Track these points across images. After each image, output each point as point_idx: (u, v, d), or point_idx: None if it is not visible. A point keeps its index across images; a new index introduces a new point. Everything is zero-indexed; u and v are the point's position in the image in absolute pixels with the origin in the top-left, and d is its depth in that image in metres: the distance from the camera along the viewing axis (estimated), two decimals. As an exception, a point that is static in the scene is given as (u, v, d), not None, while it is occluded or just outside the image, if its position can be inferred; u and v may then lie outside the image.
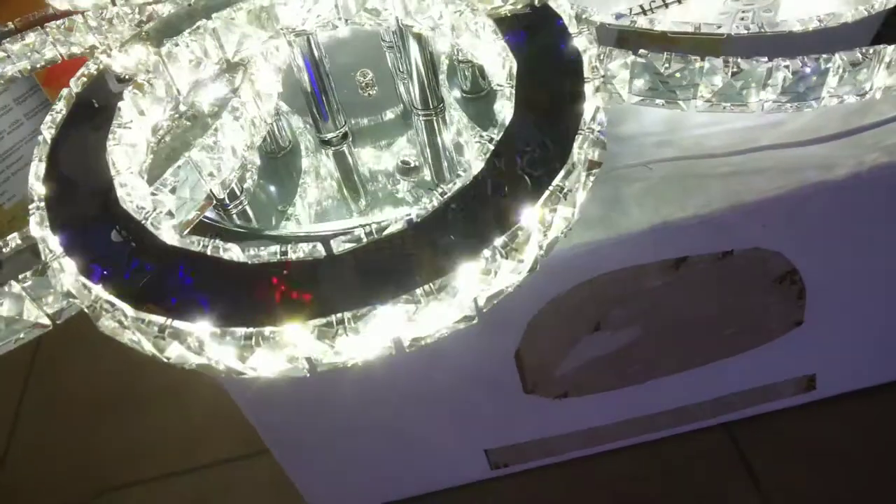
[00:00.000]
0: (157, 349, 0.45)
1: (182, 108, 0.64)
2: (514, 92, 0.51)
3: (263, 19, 0.65)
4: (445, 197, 0.46)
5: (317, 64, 0.70)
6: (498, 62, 0.55)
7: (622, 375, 0.77)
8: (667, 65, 0.60)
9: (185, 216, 0.59)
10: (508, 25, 0.56)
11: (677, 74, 0.60)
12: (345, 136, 0.75)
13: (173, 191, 0.57)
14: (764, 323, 0.75)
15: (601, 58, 0.61)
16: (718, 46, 0.62)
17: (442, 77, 0.77)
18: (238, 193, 0.69)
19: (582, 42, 0.54)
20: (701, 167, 0.68)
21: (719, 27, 0.62)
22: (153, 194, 0.54)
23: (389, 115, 0.80)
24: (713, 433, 0.88)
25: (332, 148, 0.74)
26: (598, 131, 0.49)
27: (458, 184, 0.47)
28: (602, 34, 0.63)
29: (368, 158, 0.77)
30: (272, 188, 0.76)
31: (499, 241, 0.44)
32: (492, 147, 0.48)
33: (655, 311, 0.72)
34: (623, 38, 0.66)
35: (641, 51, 0.60)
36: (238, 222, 0.70)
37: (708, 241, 0.67)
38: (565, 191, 0.46)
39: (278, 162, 0.79)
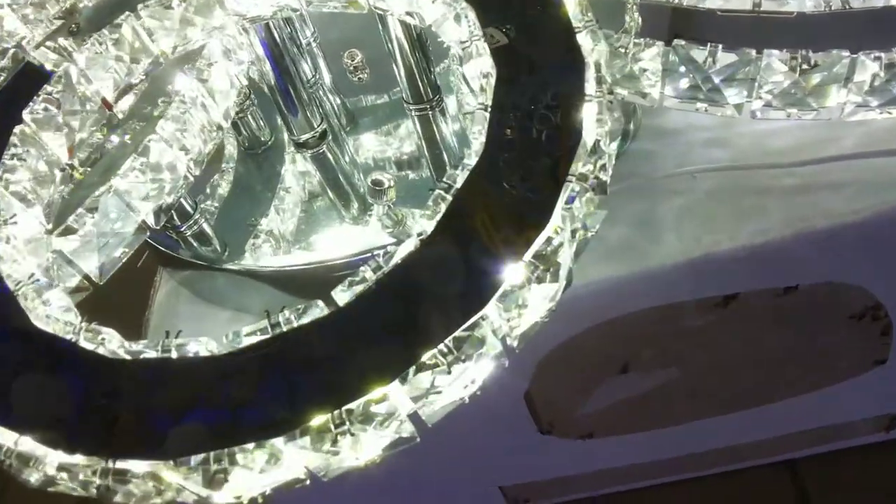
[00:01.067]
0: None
1: (110, 117, 0.54)
2: (487, 118, 0.38)
3: (206, 5, 0.53)
4: (378, 276, 0.35)
5: (281, 53, 0.57)
6: (477, 67, 0.41)
7: (659, 416, 0.65)
8: (710, 58, 0.45)
9: (110, 254, 0.49)
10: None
11: (725, 70, 0.45)
12: (323, 135, 0.62)
13: (91, 231, 0.47)
14: (836, 362, 0.61)
15: (625, 51, 0.47)
16: (782, 31, 0.46)
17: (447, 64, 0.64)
18: (192, 211, 0.58)
19: (586, 40, 0.40)
20: (759, 179, 0.54)
21: (786, 3, 0.47)
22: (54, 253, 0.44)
23: (384, 104, 0.68)
24: (770, 470, 0.75)
25: (309, 151, 0.63)
26: (595, 177, 0.36)
27: (398, 255, 0.35)
28: (648, 13, 0.49)
29: (356, 160, 0.65)
30: (241, 199, 0.65)
31: (443, 345, 0.32)
32: (445, 202, 0.35)
33: (697, 351, 0.58)
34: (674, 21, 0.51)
35: (677, 41, 0.46)
36: (195, 245, 0.59)
37: (765, 275, 0.53)
38: (539, 270, 0.33)
39: (255, 161, 0.68)
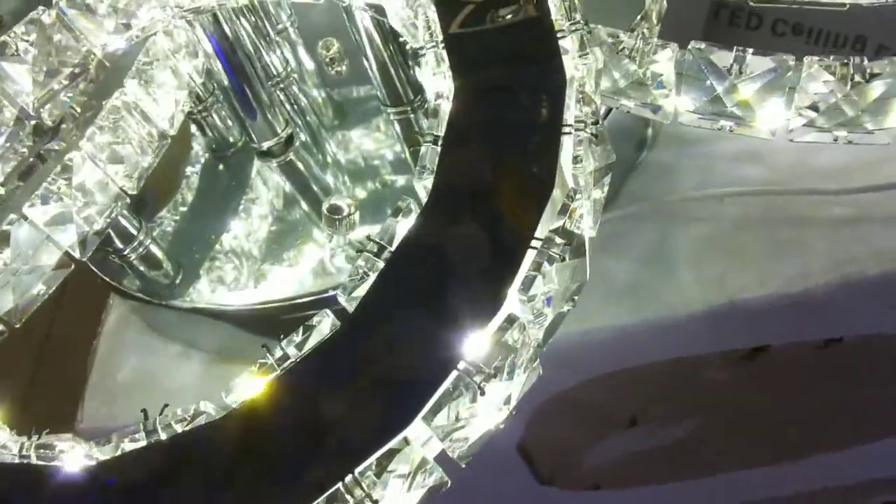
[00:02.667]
0: None
1: (35, 126, 0.46)
2: (438, 156, 0.29)
3: (139, -6, 0.45)
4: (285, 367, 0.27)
5: (233, 48, 0.49)
6: (433, 85, 0.33)
7: (678, 469, 0.56)
8: (737, 65, 0.36)
9: (25, 292, 0.42)
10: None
11: (756, 80, 0.36)
12: (289, 140, 0.54)
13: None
14: (886, 415, 0.52)
15: (633, 52, 0.37)
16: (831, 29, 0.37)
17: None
18: (135, 232, 0.51)
19: (572, 48, 0.31)
20: (799, 207, 0.44)
21: (839, -8, 0.37)
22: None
23: (364, 100, 0.59)
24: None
25: (274, 160, 0.55)
26: (566, 241, 0.27)
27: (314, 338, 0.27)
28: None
29: (339, 162, 0.56)
30: (203, 210, 0.57)
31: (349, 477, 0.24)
32: (373, 269, 0.27)
33: (718, 406, 0.50)
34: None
35: (694, 43, 0.36)
36: (142, 270, 0.52)
37: (802, 326, 0.44)
38: (484, 379, 0.25)
39: (224, 165, 0.61)
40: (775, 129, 0.37)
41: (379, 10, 0.41)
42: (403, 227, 0.28)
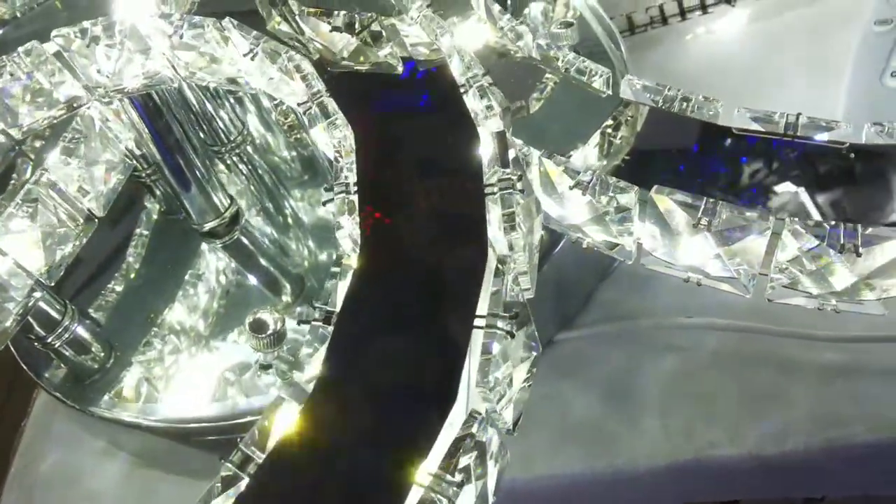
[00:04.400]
0: None
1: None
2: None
3: (58, 72, 0.40)
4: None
5: (167, 124, 0.44)
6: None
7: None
8: (706, 218, 0.30)
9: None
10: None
11: (729, 236, 0.30)
12: (235, 218, 0.50)
13: None
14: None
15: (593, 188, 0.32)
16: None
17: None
18: (59, 317, 0.46)
19: (487, 138, 0.26)
20: (786, 349, 0.39)
21: (837, 128, 0.31)
22: None
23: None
24: None
25: (218, 241, 0.50)
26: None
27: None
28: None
29: (302, 222, 0.52)
30: (147, 279, 0.53)
31: None
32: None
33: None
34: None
35: (656, 190, 0.31)
36: (67, 355, 0.48)
37: (778, 485, 0.38)
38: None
39: (176, 228, 0.56)
40: (749, 286, 0.31)
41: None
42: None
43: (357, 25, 0.39)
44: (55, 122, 0.43)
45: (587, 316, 0.44)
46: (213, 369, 0.45)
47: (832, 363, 0.37)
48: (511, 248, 0.26)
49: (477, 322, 0.24)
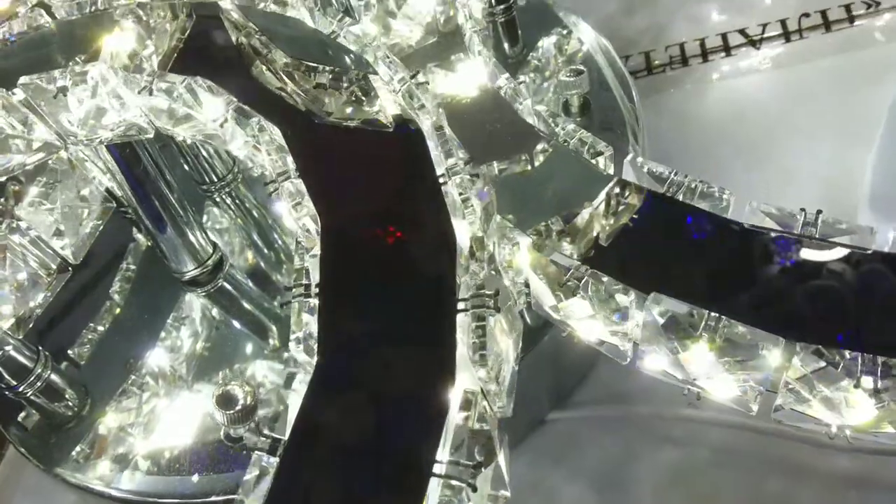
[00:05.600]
0: None
1: None
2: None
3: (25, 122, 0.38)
4: None
5: (145, 171, 0.42)
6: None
7: None
8: (706, 334, 0.27)
9: None
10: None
11: (730, 351, 0.27)
12: (219, 264, 0.47)
13: None
14: None
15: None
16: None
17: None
18: (31, 365, 0.44)
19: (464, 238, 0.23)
20: (797, 452, 0.35)
21: (856, 227, 0.28)
22: None
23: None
24: None
25: (201, 290, 0.48)
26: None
27: None
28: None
29: (282, 268, 0.49)
30: (130, 319, 0.50)
31: None
32: None
33: None
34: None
35: (654, 299, 0.28)
36: (40, 403, 0.46)
37: None
38: None
39: (162, 266, 0.54)
40: (755, 405, 0.28)
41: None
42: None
43: (345, 81, 0.36)
44: (28, 167, 0.41)
45: (583, 394, 0.41)
46: (193, 421, 0.43)
47: (845, 472, 0.34)
48: (484, 375, 0.23)
49: (436, 469, 0.21)
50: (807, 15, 0.54)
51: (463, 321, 0.23)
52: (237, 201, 0.52)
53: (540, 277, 0.29)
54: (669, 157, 0.49)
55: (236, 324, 0.48)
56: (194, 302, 0.49)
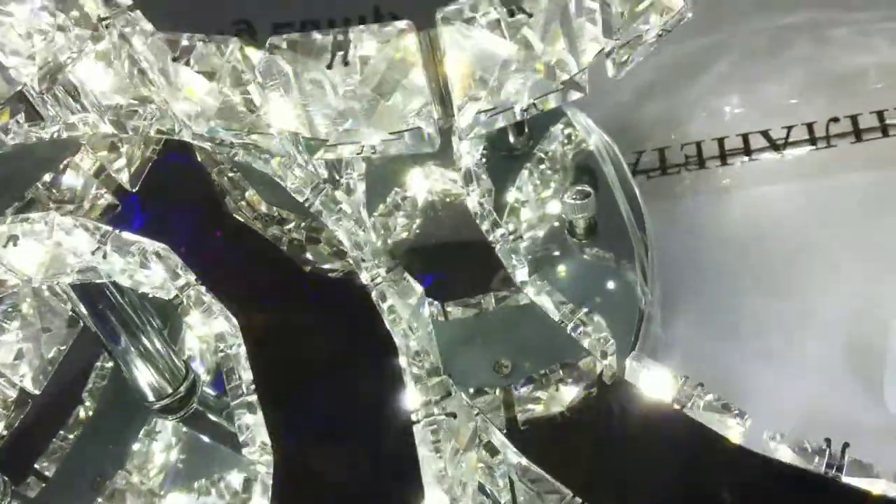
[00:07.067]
0: None
1: None
2: None
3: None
4: None
5: (111, 305, 0.39)
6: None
7: None
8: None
9: None
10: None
11: None
12: (192, 388, 0.44)
13: None
14: None
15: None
16: None
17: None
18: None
19: None
20: None
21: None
22: None
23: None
24: None
25: (173, 418, 0.44)
26: None
27: None
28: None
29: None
30: (105, 432, 0.47)
31: None
32: None
33: None
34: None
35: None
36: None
37: None
38: None
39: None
40: None
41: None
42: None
43: (322, 236, 0.33)
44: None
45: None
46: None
47: None
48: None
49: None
50: (835, 120, 0.50)
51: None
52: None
53: None
54: (681, 281, 0.46)
55: (211, 438, 0.45)
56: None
